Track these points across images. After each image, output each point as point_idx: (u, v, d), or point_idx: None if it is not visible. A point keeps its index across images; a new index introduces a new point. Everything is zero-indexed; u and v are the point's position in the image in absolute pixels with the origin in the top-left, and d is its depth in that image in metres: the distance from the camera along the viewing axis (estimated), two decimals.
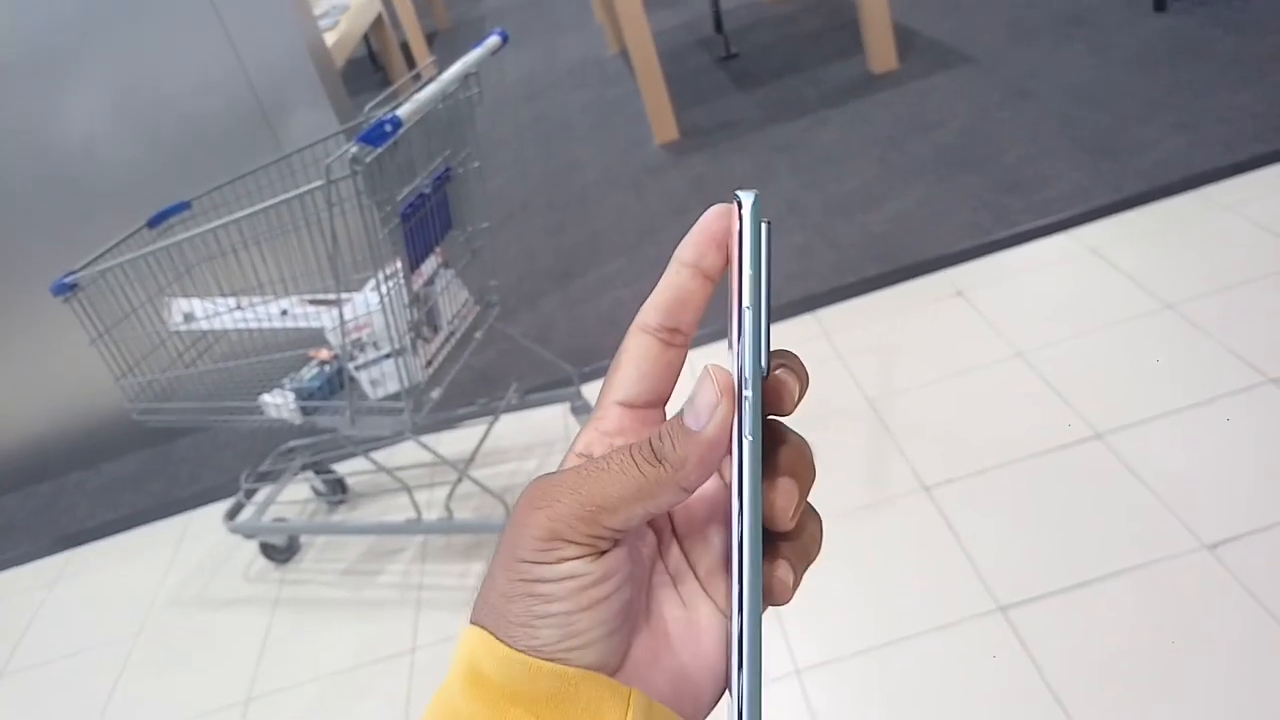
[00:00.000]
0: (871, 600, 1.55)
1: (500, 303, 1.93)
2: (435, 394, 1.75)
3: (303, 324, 1.77)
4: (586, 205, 3.16)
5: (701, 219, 0.34)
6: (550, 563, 0.32)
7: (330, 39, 3.51)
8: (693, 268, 0.34)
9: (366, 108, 1.64)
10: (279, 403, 1.77)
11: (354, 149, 1.44)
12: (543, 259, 2.91)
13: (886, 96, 3.22)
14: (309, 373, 1.83)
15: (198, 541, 2.23)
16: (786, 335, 2.20)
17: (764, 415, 0.33)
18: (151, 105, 2.27)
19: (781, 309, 2.29)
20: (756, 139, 3.22)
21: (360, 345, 1.73)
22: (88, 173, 2.31)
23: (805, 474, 0.34)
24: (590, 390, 2.19)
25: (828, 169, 2.87)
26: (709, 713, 0.36)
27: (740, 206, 0.31)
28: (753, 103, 3.53)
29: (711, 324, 2.27)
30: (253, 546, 2.10)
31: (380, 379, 1.76)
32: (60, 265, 1.77)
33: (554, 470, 0.34)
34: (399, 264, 1.62)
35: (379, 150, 1.46)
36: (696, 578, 0.37)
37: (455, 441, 2.22)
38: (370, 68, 5.80)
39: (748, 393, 0.31)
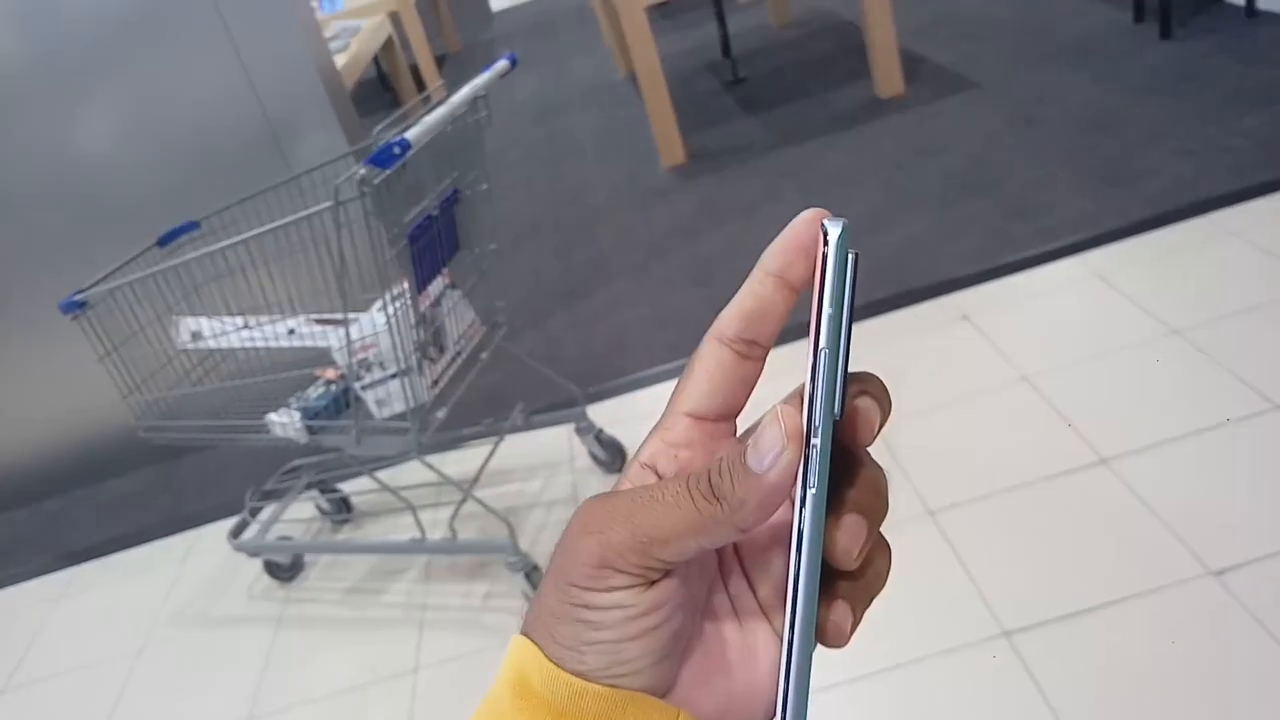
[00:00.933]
0: (875, 624, 1.53)
1: (507, 323, 1.94)
2: (441, 414, 1.75)
3: (309, 343, 1.77)
4: (594, 227, 3.18)
5: (791, 224, 0.32)
6: (599, 590, 0.31)
7: (340, 61, 3.55)
8: (777, 278, 0.33)
9: (375, 130, 1.65)
10: (285, 421, 1.78)
11: (363, 171, 1.45)
12: (549, 280, 2.92)
13: (893, 121, 3.24)
14: (315, 392, 1.84)
15: (202, 559, 2.23)
16: (793, 359, 2.20)
17: (840, 445, 0.31)
18: (163, 125, 2.30)
19: (789, 331, 2.29)
20: (763, 163, 3.23)
21: (367, 365, 1.73)
22: (99, 191, 2.33)
23: (876, 511, 0.32)
24: (595, 411, 2.19)
25: (834, 193, 2.88)
26: None
27: (826, 236, 0.29)
28: (760, 126, 3.55)
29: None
30: (257, 565, 2.10)
31: (386, 399, 1.76)
32: (70, 283, 1.78)
33: (605, 492, 0.33)
34: (406, 285, 1.63)
35: (388, 172, 1.47)
36: (757, 601, 0.36)
37: (460, 462, 2.23)
38: (380, 90, 5.84)
39: (816, 441, 0.29)
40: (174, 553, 2.29)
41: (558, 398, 2.30)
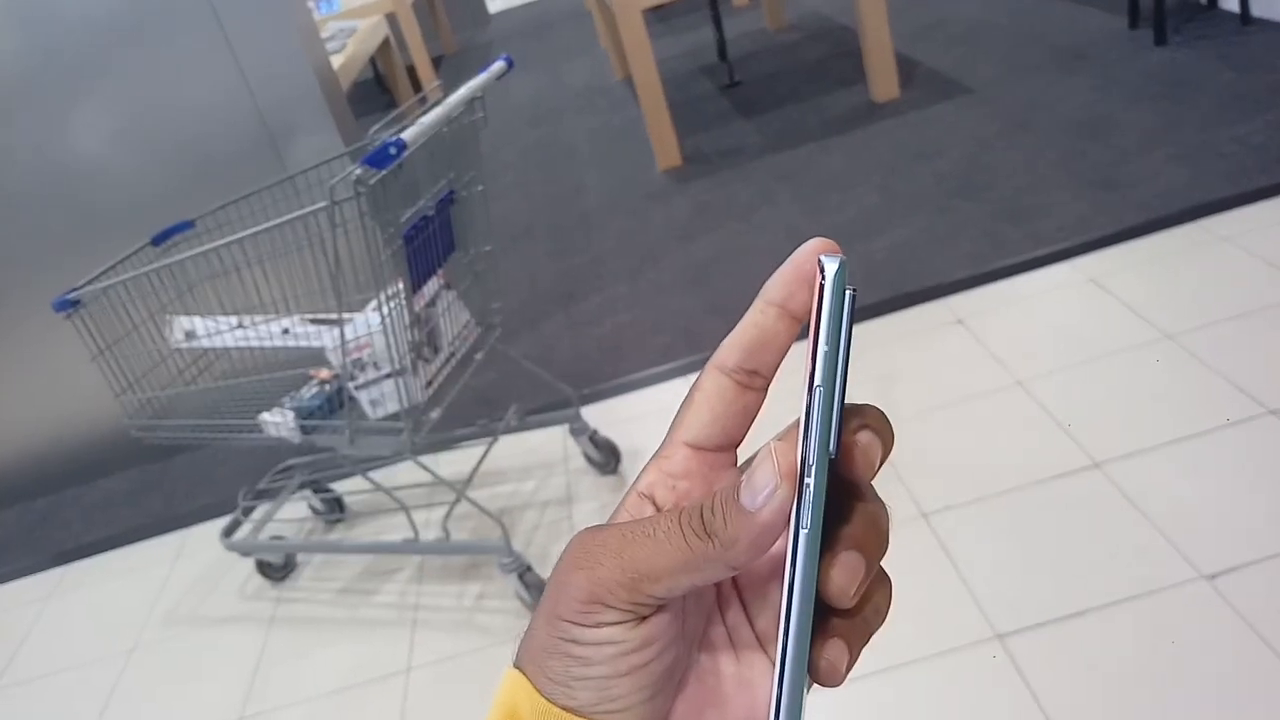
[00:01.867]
0: None
1: (501, 325, 1.94)
2: (435, 414, 1.75)
3: (304, 343, 1.77)
4: (589, 230, 3.18)
5: (794, 254, 0.32)
6: (589, 626, 0.31)
7: (337, 62, 3.54)
8: (779, 308, 0.32)
9: (371, 130, 1.65)
10: (278, 421, 1.77)
11: (358, 171, 1.45)
12: (545, 282, 2.92)
13: (888, 125, 3.25)
14: (309, 392, 1.83)
15: (194, 558, 2.23)
16: (785, 362, 2.21)
17: (840, 478, 0.31)
18: (158, 125, 2.29)
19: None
20: (759, 166, 3.24)
21: (361, 365, 1.73)
22: (93, 191, 2.33)
23: (874, 548, 0.31)
24: (590, 413, 2.19)
25: (829, 197, 2.88)
26: None
27: (823, 272, 0.29)
28: (755, 130, 3.56)
29: None
30: (249, 564, 2.10)
31: (380, 399, 1.76)
32: (64, 282, 1.77)
33: (596, 525, 0.33)
34: (401, 285, 1.63)
35: (383, 172, 1.47)
36: (754, 633, 0.35)
37: (454, 462, 2.23)
38: (377, 90, 5.84)
39: (810, 480, 0.29)
40: (166, 552, 2.28)
41: (552, 399, 2.30)
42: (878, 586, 0.33)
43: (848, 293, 0.29)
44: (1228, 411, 1.71)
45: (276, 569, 2.06)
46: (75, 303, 1.73)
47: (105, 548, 2.36)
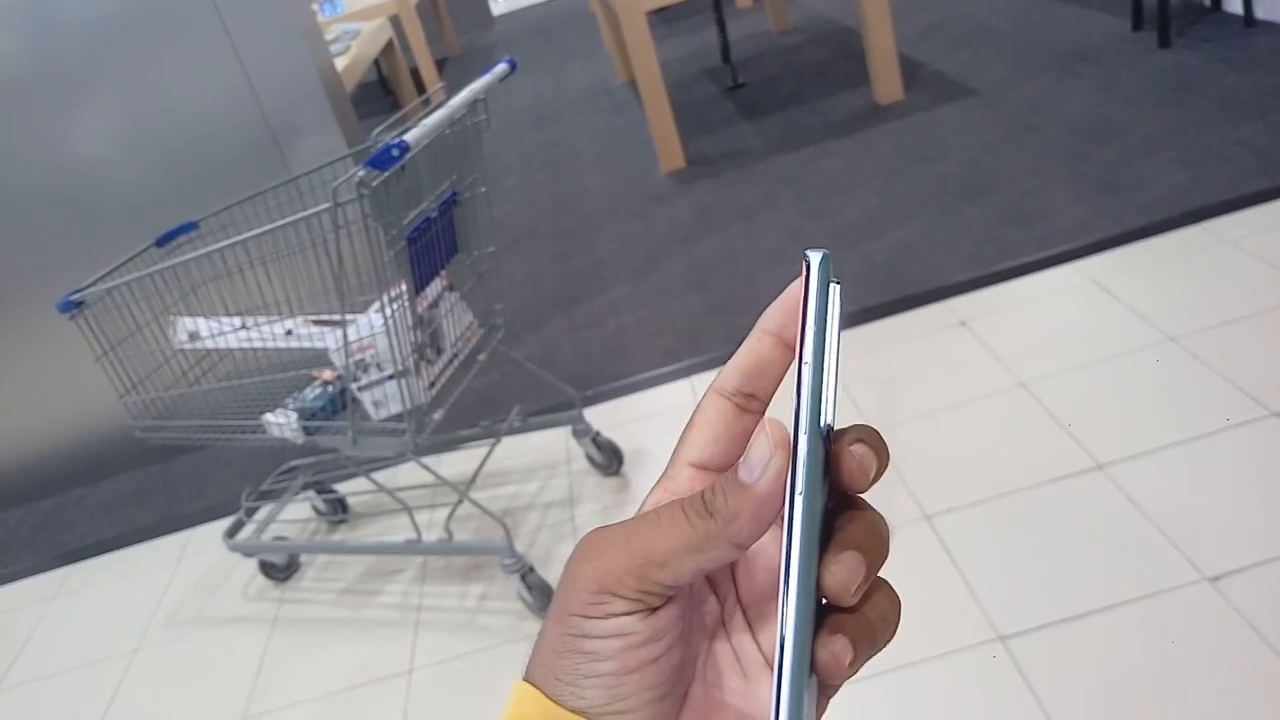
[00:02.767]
0: None
1: (504, 326, 1.94)
2: (438, 415, 1.75)
3: (307, 344, 1.77)
4: (592, 232, 3.18)
5: (789, 287, 0.34)
6: (599, 618, 0.31)
7: (341, 64, 3.55)
8: (775, 336, 0.34)
9: (374, 132, 1.66)
10: (281, 422, 1.78)
11: (361, 172, 1.45)
12: (547, 284, 2.92)
13: (891, 128, 3.25)
14: (312, 393, 1.84)
15: (197, 559, 2.23)
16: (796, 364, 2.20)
17: (839, 494, 0.32)
18: (162, 127, 2.30)
19: None
20: (762, 168, 3.24)
21: (364, 366, 1.73)
22: (98, 192, 2.33)
23: (874, 551, 0.32)
24: (592, 414, 2.20)
25: (832, 199, 2.88)
26: None
27: (808, 265, 0.32)
28: (758, 132, 3.56)
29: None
30: (252, 565, 2.10)
31: (383, 400, 1.77)
32: (68, 283, 1.78)
33: (603, 524, 0.34)
34: (404, 286, 1.63)
35: (386, 174, 1.47)
36: (760, 650, 0.36)
37: (457, 463, 2.23)
38: (381, 92, 5.86)
39: (803, 448, 0.30)
40: (169, 553, 2.29)
41: (555, 400, 2.30)
42: (883, 595, 0.33)
43: (833, 285, 0.31)
44: (1230, 413, 1.71)
45: (280, 569, 2.06)
46: (80, 304, 1.73)
47: (109, 548, 2.37)
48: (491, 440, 2.05)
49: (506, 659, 1.71)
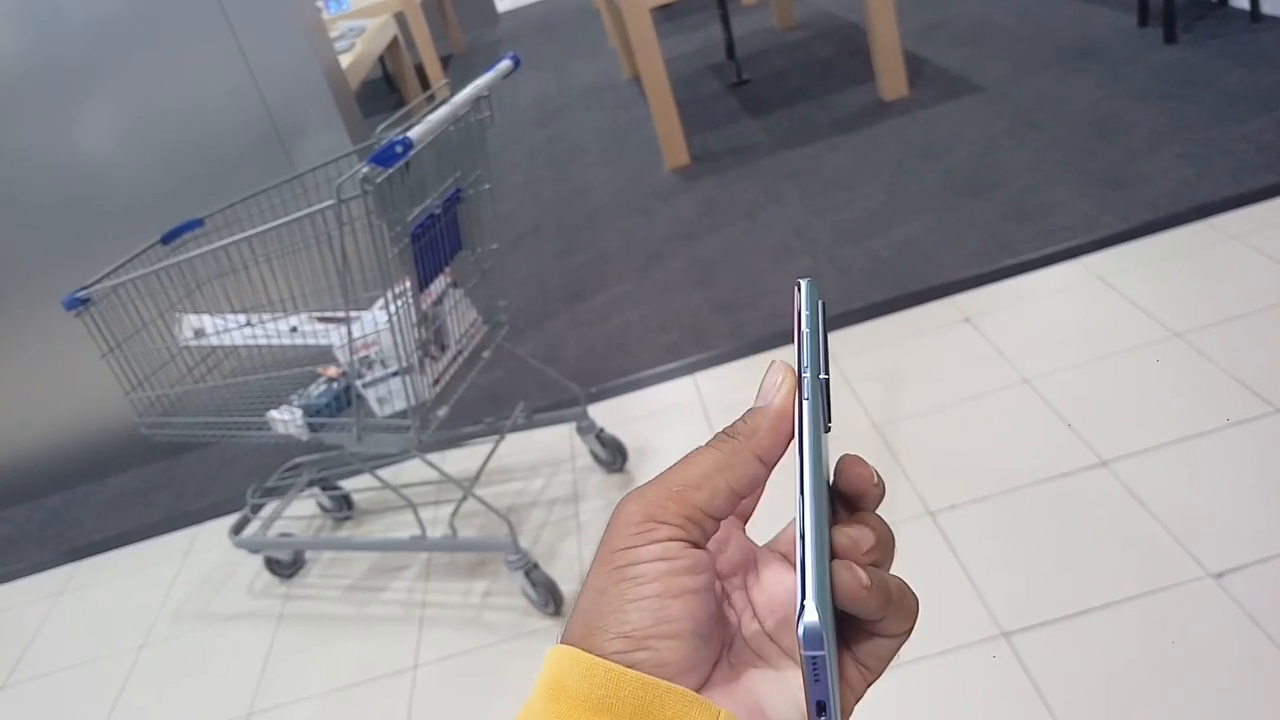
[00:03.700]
0: None
1: (508, 323, 1.95)
2: (442, 412, 1.76)
3: (311, 341, 1.78)
4: (596, 228, 3.18)
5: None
6: (644, 544, 0.33)
7: (346, 61, 3.55)
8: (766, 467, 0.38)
9: (378, 129, 1.66)
10: (286, 419, 1.78)
11: (365, 169, 1.46)
12: (552, 281, 2.92)
13: (896, 124, 3.24)
14: (317, 389, 1.84)
15: (203, 555, 2.24)
16: (793, 361, 2.20)
17: (846, 502, 0.37)
18: (167, 124, 2.30)
19: (789, 333, 2.29)
20: (767, 164, 3.24)
21: (368, 363, 1.74)
22: (103, 190, 2.34)
23: (881, 531, 0.35)
24: (597, 411, 2.20)
25: (837, 195, 2.88)
26: None
27: (799, 289, 0.39)
28: (763, 128, 3.56)
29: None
30: (258, 561, 2.11)
31: (387, 396, 1.77)
32: (74, 280, 1.79)
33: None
34: (408, 283, 1.63)
35: (390, 171, 1.47)
36: (780, 648, 0.38)
37: (461, 460, 2.23)
38: (386, 89, 5.86)
39: (805, 376, 0.36)
40: (175, 549, 2.30)
41: (559, 397, 2.31)
42: (899, 586, 0.35)
43: (820, 302, 0.38)
44: (1235, 410, 1.70)
45: (285, 566, 2.07)
46: (85, 301, 1.74)
47: (115, 545, 2.38)
48: (496, 437, 2.05)
49: (510, 655, 1.71)
